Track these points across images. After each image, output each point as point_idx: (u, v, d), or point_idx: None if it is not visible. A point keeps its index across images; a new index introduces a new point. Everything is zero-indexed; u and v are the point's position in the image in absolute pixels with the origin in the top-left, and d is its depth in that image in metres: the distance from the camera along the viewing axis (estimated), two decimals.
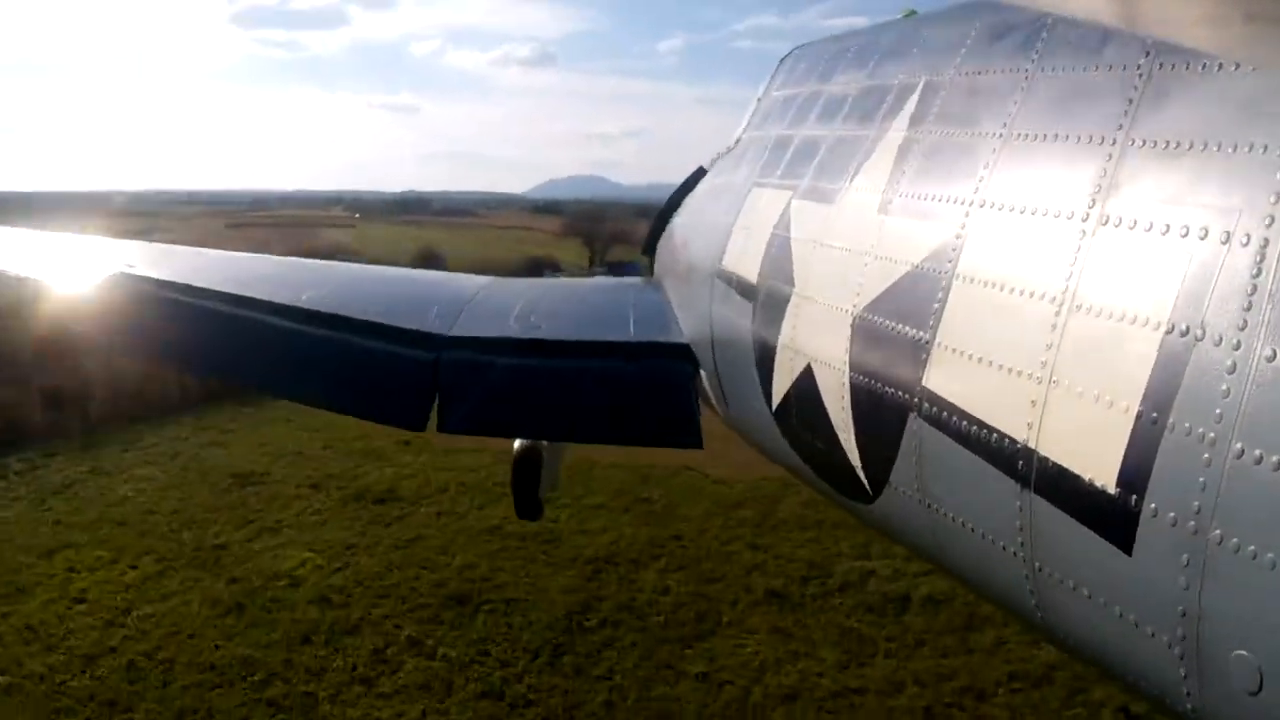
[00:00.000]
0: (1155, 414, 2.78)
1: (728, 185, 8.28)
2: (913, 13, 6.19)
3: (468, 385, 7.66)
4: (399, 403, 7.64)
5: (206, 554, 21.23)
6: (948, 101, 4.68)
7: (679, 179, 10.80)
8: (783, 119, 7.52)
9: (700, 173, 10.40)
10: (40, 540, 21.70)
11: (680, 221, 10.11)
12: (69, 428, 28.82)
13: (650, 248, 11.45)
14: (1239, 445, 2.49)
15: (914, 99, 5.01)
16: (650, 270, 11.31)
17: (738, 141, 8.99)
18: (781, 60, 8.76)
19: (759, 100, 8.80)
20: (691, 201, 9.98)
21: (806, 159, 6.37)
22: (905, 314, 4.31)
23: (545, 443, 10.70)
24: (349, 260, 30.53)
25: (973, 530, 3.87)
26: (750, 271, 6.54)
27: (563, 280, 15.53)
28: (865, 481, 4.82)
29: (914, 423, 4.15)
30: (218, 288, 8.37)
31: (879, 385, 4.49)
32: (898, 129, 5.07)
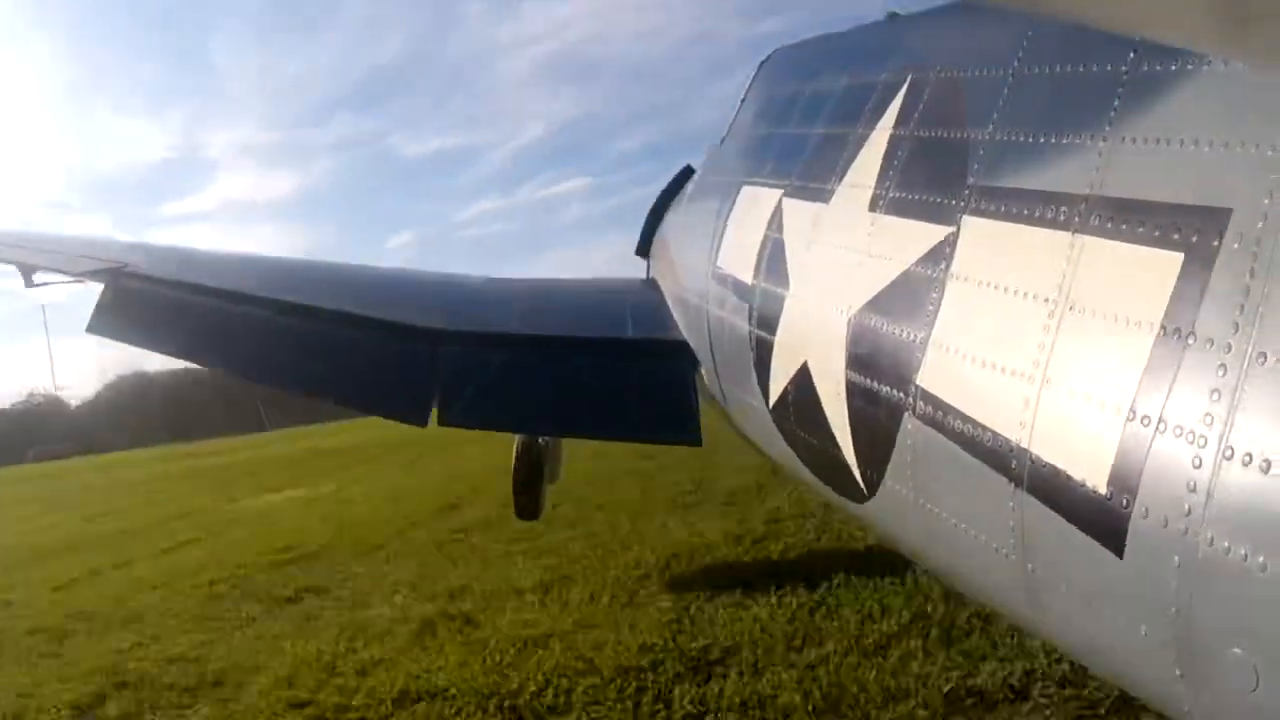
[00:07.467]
0: (1146, 415, 2.76)
1: (718, 185, 8.29)
2: (895, 14, 6.19)
3: (468, 380, 7.76)
4: (401, 396, 7.75)
5: None
6: (935, 99, 4.66)
7: None
8: (769, 117, 7.53)
9: (688, 171, 10.42)
10: None
11: (672, 221, 10.13)
12: None
13: (644, 249, 11.50)
14: (1229, 447, 2.47)
15: (900, 97, 5.00)
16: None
17: (723, 140, 8.99)
18: (763, 61, 8.77)
19: (743, 100, 8.81)
20: (682, 201, 10.00)
21: (796, 157, 6.37)
22: (899, 312, 4.31)
23: (546, 440, 10.75)
24: None
25: (965, 530, 3.86)
26: (744, 271, 6.55)
27: (561, 280, 15.61)
28: (860, 481, 4.81)
29: (909, 422, 4.14)
30: (217, 284, 8.39)
31: (874, 384, 4.48)
32: (885, 127, 5.05)
